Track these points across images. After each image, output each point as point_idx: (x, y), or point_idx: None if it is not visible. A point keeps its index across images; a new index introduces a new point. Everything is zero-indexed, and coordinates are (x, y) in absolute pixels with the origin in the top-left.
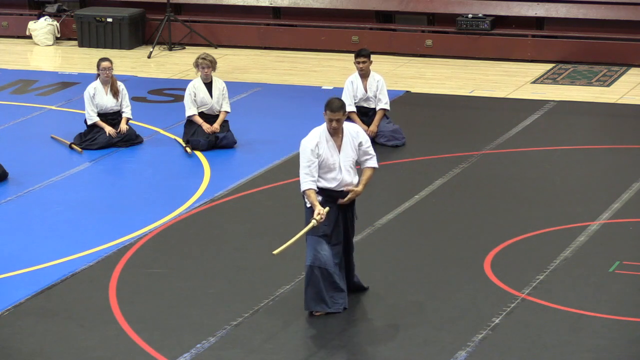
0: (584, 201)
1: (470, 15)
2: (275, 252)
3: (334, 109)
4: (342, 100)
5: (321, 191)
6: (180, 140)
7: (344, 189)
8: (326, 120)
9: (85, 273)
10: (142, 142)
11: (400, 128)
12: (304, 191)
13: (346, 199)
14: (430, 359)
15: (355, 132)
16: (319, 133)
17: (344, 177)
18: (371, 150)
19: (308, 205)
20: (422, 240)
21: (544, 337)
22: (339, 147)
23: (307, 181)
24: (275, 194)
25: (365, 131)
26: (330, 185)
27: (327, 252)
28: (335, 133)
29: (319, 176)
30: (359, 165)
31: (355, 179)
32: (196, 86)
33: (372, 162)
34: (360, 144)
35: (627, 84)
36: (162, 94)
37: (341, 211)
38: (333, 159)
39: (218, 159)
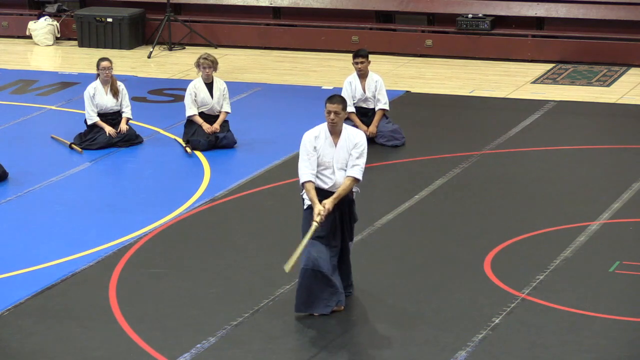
0: (584, 201)
1: (470, 15)
2: (286, 268)
3: (333, 101)
4: (343, 97)
5: (317, 192)
6: (180, 140)
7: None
8: (325, 115)
9: (85, 273)
10: (142, 142)
11: (400, 128)
12: (302, 183)
13: (315, 215)
14: (430, 359)
15: (354, 134)
16: (320, 129)
17: (337, 177)
18: (359, 159)
19: (306, 205)
20: (422, 240)
21: (544, 337)
22: (335, 145)
23: (307, 173)
24: (275, 194)
25: (365, 132)
26: (325, 185)
27: (323, 253)
28: (334, 129)
29: (316, 175)
30: None
31: None
32: (197, 86)
33: (354, 172)
34: (355, 145)
35: (627, 84)
36: (162, 94)
37: (338, 212)
38: (328, 157)
39: (218, 159)
